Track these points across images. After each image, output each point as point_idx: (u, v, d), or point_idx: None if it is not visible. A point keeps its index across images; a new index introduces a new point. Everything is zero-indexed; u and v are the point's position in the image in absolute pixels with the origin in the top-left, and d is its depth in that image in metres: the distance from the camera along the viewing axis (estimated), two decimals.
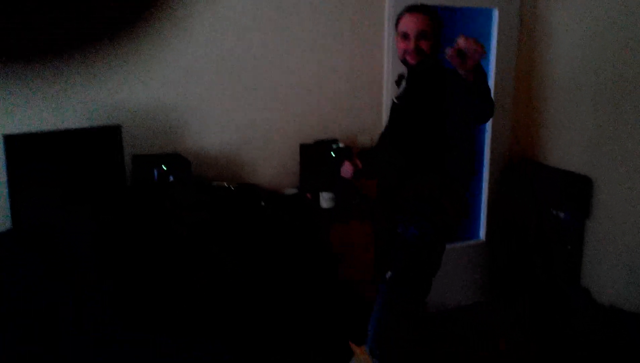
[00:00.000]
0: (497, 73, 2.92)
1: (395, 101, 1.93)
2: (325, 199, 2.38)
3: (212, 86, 2.38)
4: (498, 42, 2.90)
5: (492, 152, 2.98)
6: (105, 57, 2.16)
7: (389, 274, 1.82)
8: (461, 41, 1.39)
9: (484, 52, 1.39)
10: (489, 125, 2.96)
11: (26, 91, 2.07)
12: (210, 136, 2.41)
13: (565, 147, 2.75)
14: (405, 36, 1.79)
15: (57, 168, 1.99)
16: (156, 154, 2.21)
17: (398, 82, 1.96)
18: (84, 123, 2.13)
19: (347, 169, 2.05)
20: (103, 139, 2.09)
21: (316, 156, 2.48)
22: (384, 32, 2.68)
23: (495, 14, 2.88)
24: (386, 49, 2.68)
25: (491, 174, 3.00)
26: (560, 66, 2.78)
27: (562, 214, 2.61)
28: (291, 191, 2.50)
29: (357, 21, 2.61)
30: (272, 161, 2.55)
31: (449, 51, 1.40)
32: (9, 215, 1.88)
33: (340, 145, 2.49)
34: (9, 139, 1.90)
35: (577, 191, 2.56)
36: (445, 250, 1.88)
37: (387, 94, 2.70)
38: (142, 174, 2.08)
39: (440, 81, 1.72)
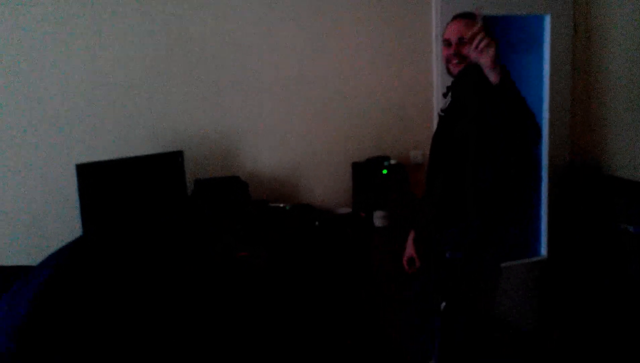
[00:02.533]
0: (551, 79, 2.84)
1: (440, 113, 1.90)
2: (379, 218, 2.38)
3: (266, 109, 2.46)
4: (552, 47, 2.83)
5: (550, 160, 2.87)
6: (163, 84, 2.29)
7: (443, 304, 1.75)
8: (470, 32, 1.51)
9: (482, 44, 1.46)
10: (545, 132, 2.86)
11: (94, 120, 2.22)
12: (265, 158, 2.48)
13: (631, 154, 2.60)
14: (447, 43, 1.78)
15: (126, 194, 2.10)
16: (216, 177, 2.29)
17: (445, 94, 1.92)
18: (149, 150, 2.25)
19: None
20: (167, 164, 2.19)
21: (368, 174, 2.48)
22: (431, 44, 2.67)
23: (548, 20, 2.81)
24: (434, 61, 2.67)
25: (551, 184, 2.89)
26: (619, 69, 2.66)
27: (631, 228, 2.46)
28: (345, 210, 2.52)
29: (404, 34, 2.62)
30: (325, 180, 2.58)
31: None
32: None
33: (392, 162, 2.48)
34: (82, 168, 2.04)
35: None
36: (501, 271, 1.80)
37: (437, 108, 2.68)
38: (204, 197, 2.16)
39: (476, 90, 1.66)
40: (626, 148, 2.64)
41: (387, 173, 2.42)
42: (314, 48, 2.49)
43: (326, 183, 2.58)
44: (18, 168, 2.15)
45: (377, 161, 2.49)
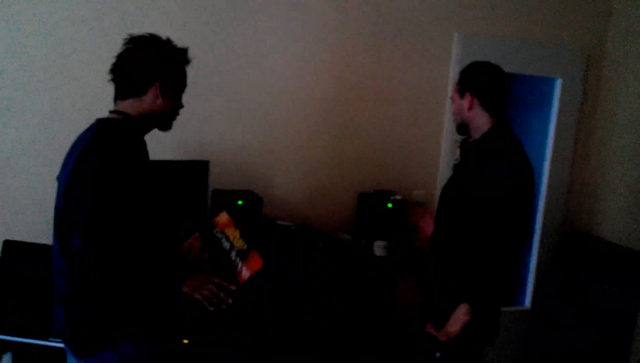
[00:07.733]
0: (555, 142, 2.99)
1: (453, 167, 1.91)
2: (378, 247, 2.52)
3: (286, 131, 2.62)
4: (559, 111, 2.96)
5: (544, 219, 3.01)
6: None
7: (437, 354, 1.66)
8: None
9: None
10: (543, 191, 3.00)
11: None
12: (280, 177, 2.63)
13: (621, 221, 2.76)
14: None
15: None
16: (235, 190, 2.43)
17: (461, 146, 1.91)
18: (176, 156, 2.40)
19: (427, 226, 2.03)
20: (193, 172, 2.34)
21: (373, 205, 2.63)
22: (447, 89, 2.78)
23: (559, 83, 2.94)
24: (448, 106, 2.77)
25: (542, 242, 3.02)
26: (620, 143, 2.83)
27: (613, 290, 2.60)
28: (346, 236, 2.66)
29: (422, 73, 2.75)
30: (330, 206, 2.73)
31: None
32: None
33: (397, 197, 2.64)
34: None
35: (627, 266, 2.56)
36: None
37: (445, 152, 2.84)
38: (220, 207, 2.30)
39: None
40: (616, 215, 2.80)
41: (392, 207, 2.57)
42: (328, 79, 2.62)
43: (330, 208, 2.73)
44: None
45: (384, 195, 2.65)
